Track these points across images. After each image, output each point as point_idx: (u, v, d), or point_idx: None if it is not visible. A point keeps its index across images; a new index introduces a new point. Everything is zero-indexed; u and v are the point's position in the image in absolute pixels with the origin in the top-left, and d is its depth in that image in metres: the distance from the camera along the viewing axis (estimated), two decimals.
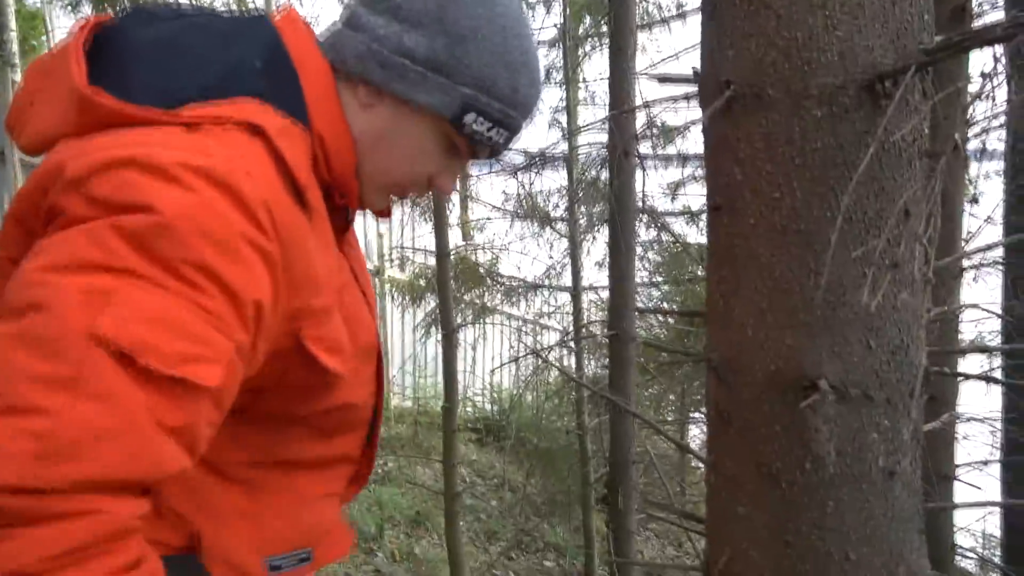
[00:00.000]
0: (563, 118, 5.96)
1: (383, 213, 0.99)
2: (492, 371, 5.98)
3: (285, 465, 0.92)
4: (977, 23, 2.36)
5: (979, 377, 1.36)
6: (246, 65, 0.81)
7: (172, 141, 0.73)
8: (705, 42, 1.25)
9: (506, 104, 0.87)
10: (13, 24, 7.35)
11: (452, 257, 4.63)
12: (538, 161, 4.50)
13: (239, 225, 0.71)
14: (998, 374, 2.59)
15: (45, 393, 0.62)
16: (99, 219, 0.67)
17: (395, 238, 6.30)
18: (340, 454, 0.98)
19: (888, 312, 1.16)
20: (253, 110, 0.79)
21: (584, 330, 4.67)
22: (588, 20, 5.78)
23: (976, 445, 2.83)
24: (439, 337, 4.60)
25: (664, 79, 1.48)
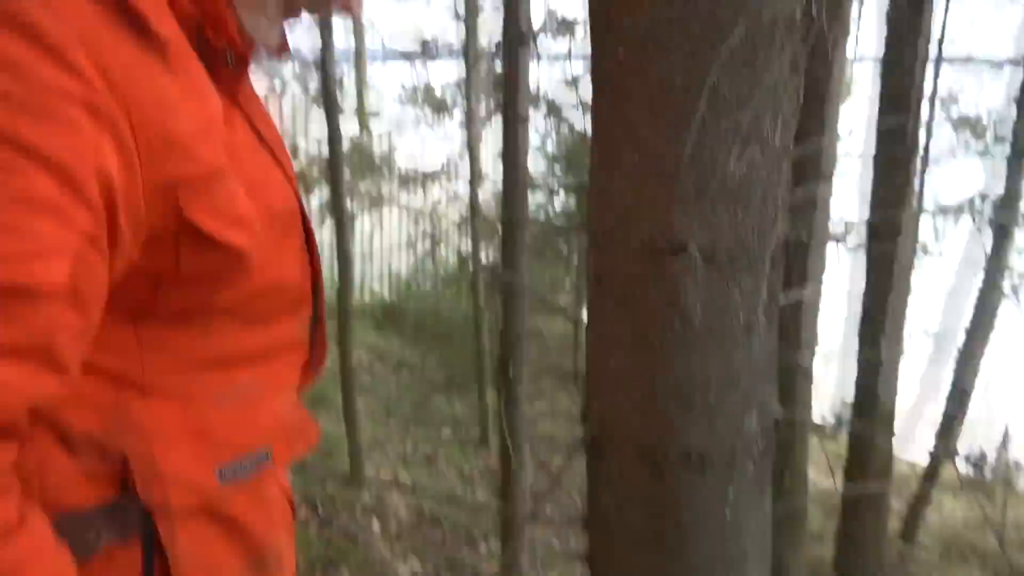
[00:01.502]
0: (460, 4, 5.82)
1: (278, 50, 0.83)
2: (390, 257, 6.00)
3: (221, 365, 0.77)
4: None
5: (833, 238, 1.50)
6: None
7: None
8: None
9: None
10: None
11: (347, 146, 4.54)
12: (434, 48, 4.41)
13: (46, 74, 0.55)
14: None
15: None
16: None
17: (286, 126, 6.08)
18: (284, 341, 0.84)
19: (752, 182, 1.26)
20: None
21: (480, 217, 4.73)
22: None
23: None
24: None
25: None
